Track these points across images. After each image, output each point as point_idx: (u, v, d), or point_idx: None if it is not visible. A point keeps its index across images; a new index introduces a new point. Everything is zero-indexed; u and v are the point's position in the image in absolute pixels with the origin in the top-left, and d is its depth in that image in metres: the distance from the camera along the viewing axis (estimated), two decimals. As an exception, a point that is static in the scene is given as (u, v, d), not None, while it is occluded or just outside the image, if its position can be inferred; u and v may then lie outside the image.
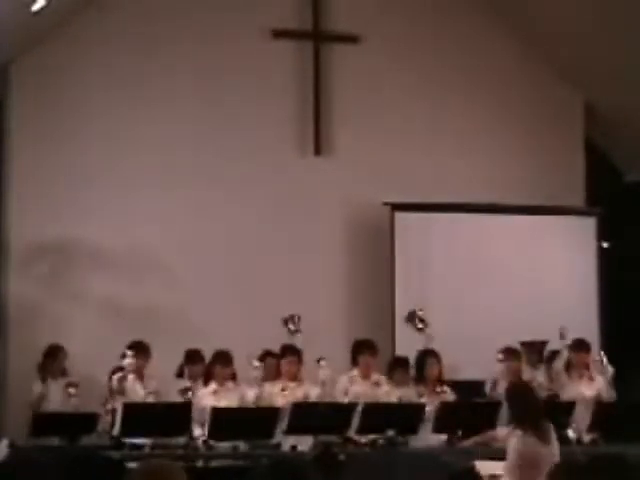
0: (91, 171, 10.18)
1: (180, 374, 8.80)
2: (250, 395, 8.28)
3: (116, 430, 7.84)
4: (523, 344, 9.00)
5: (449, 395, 8.57)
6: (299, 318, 8.59)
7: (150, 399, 8.30)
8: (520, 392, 6.84)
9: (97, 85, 10.24)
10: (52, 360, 8.74)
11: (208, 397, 8.22)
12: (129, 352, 8.24)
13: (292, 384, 8.45)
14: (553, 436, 6.55)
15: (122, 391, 8.17)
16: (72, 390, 8.30)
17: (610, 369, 8.69)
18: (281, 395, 8.34)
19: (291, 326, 8.57)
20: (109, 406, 8.15)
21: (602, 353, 8.84)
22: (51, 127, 10.12)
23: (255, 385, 8.27)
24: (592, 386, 8.69)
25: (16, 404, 9.02)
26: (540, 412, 6.56)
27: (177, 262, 10.15)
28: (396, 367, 8.88)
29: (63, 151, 10.16)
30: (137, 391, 8.30)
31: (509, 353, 8.77)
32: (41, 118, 10.10)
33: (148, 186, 10.23)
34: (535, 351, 8.98)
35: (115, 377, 8.22)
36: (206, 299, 10.09)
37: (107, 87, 10.24)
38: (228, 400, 8.18)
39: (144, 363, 8.43)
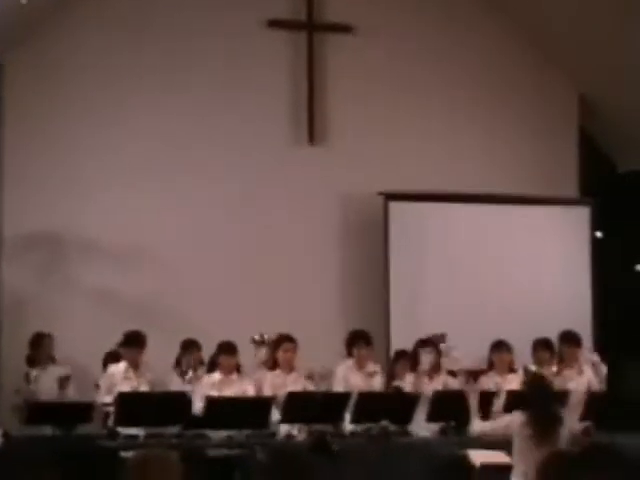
0: (85, 162, 10.17)
1: (177, 364, 8.83)
2: (250, 391, 8.34)
3: (111, 420, 7.87)
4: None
5: (446, 381, 8.61)
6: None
7: (144, 388, 8.33)
8: (533, 384, 6.85)
9: (91, 78, 10.21)
10: (37, 348, 8.74)
11: (212, 387, 8.26)
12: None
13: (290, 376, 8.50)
14: (560, 432, 6.53)
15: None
16: (67, 383, 8.37)
17: (604, 369, 8.72)
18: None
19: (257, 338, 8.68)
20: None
21: (597, 354, 8.83)
22: (46, 119, 10.10)
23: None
24: (581, 379, 8.72)
25: (10, 394, 9.01)
26: (548, 407, 6.56)
27: (172, 253, 10.15)
28: (398, 359, 8.97)
29: (57, 143, 10.15)
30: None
31: (500, 345, 8.81)
32: (35, 111, 10.08)
33: (143, 177, 10.23)
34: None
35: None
36: (201, 289, 10.09)
37: (101, 80, 10.22)
38: (231, 391, 8.21)
39: (139, 353, 8.45)
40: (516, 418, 6.60)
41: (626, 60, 10.50)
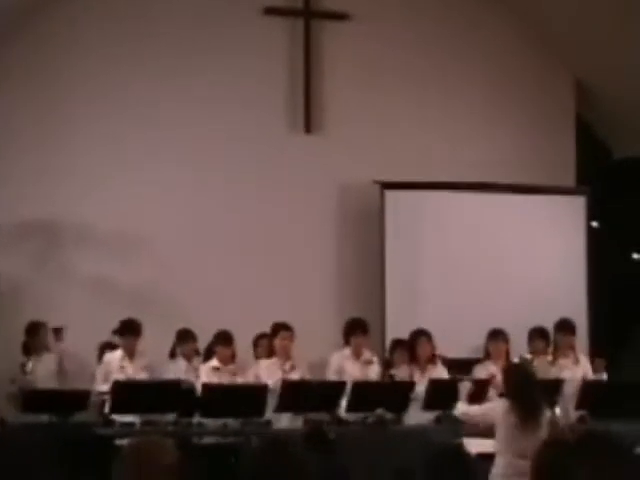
0: (82, 150, 10.14)
1: (173, 354, 8.84)
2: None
3: (107, 408, 7.88)
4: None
5: (442, 372, 8.62)
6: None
7: (142, 376, 8.33)
8: (515, 372, 6.91)
9: (91, 66, 10.18)
10: (33, 336, 8.74)
11: (210, 374, 8.29)
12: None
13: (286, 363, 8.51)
14: (542, 420, 6.59)
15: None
16: (61, 335, 8.37)
17: (605, 377, 8.76)
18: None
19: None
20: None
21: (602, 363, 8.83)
22: (43, 107, 10.07)
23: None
24: (577, 369, 8.73)
25: (5, 382, 9.01)
26: (530, 394, 6.60)
27: (168, 240, 10.13)
28: (396, 348, 8.98)
29: (54, 131, 10.11)
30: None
31: (497, 334, 8.81)
32: (33, 98, 10.04)
33: (139, 165, 10.21)
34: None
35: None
36: (198, 279, 10.07)
37: (99, 68, 10.18)
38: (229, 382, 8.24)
39: (135, 341, 8.45)
40: (498, 406, 6.65)
41: (623, 48, 10.48)
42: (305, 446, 4.94)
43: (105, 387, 8.06)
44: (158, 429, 7.52)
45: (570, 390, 8.32)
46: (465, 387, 7.44)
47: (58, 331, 8.50)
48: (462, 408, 7.14)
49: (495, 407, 6.69)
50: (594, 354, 9.48)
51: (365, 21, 10.78)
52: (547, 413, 6.71)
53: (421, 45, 10.95)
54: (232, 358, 8.52)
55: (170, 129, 10.32)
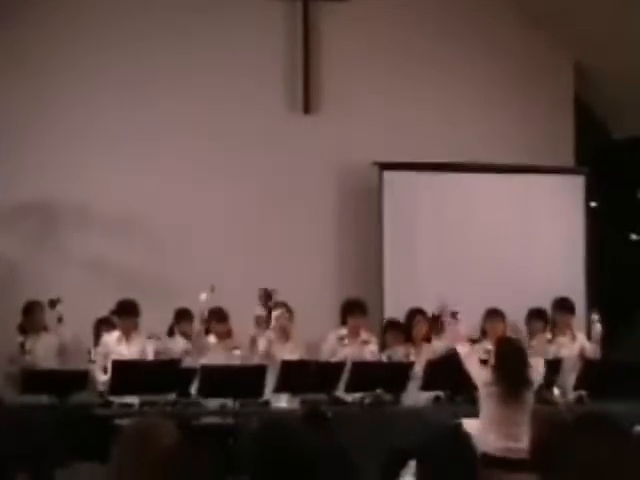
0: (76, 129, 10.12)
1: (171, 333, 8.84)
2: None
3: (106, 387, 7.88)
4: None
5: (437, 348, 8.59)
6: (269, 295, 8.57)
7: (150, 356, 8.32)
8: (506, 344, 6.97)
9: (86, 47, 10.15)
10: (29, 316, 8.74)
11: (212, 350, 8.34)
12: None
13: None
14: (527, 395, 6.66)
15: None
16: (58, 309, 8.36)
17: (599, 328, 8.73)
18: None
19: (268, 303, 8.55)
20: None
21: (597, 316, 8.81)
22: (36, 85, 10.04)
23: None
24: (574, 345, 8.76)
25: (2, 363, 9.01)
26: (517, 368, 6.67)
27: (165, 219, 10.13)
28: (389, 329, 8.96)
29: (49, 111, 10.08)
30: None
31: (494, 313, 8.81)
32: (27, 77, 10.02)
33: (135, 145, 10.19)
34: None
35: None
36: (196, 258, 10.07)
37: (95, 49, 10.16)
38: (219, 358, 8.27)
39: (133, 322, 8.44)
40: (482, 374, 6.73)
41: (622, 28, 10.45)
42: (304, 426, 4.94)
43: (105, 377, 8.04)
44: (157, 409, 7.53)
45: (568, 366, 8.35)
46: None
47: (53, 303, 8.49)
48: (464, 351, 7.21)
49: (480, 375, 6.77)
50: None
51: (364, 1, 10.73)
52: (533, 389, 6.77)
53: (420, 26, 10.90)
54: (228, 334, 8.52)
55: (167, 111, 10.28)
